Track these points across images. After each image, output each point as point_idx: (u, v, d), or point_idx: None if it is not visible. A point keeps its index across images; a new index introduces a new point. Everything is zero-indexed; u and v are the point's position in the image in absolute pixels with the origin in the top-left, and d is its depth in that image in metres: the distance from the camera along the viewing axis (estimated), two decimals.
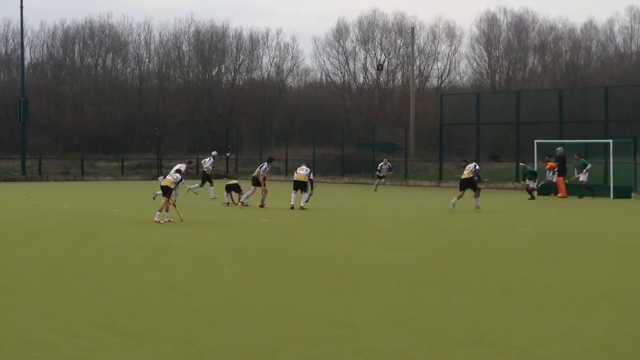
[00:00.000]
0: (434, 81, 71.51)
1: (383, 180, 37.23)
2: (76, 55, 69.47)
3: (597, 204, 27.95)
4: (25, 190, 35.64)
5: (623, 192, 30.83)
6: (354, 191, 36.64)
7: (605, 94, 36.38)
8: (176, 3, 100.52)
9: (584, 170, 30.81)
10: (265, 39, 72.12)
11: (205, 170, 29.72)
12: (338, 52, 72.00)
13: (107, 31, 69.70)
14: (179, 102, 67.01)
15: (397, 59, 70.97)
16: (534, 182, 30.24)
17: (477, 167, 25.20)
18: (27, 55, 64.89)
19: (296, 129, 56.58)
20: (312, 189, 24.54)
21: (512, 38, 70.16)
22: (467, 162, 25.93)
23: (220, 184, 29.39)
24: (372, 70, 70.38)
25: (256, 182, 24.68)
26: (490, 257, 13.60)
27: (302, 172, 24.49)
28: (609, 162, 31.61)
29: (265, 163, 25.22)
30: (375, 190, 35.86)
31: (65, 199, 29.35)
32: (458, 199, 23.94)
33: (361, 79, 72.25)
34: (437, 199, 29.89)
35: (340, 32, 71.97)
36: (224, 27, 71.24)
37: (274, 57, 72.46)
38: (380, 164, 37.22)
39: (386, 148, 49.77)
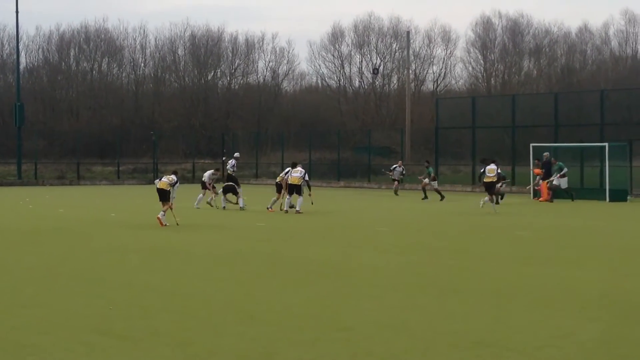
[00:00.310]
0: (429, 85, 71.67)
1: (396, 183, 35.40)
2: (72, 59, 69.44)
3: (593, 207, 27.97)
4: (21, 194, 35.59)
5: (619, 196, 30.86)
6: (349, 195, 36.62)
7: (600, 97, 36.41)
8: (172, 7, 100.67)
9: (558, 175, 30.88)
10: (260, 43, 72.25)
11: (230, 172, 29.60)
12: (334, 56, 72.11)
13: (103, 35, 69.70)
14: (175, 106, 67.00)
15: (393, 62, 71.07)
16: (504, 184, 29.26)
17: (499, 169, 25.58)
18: (22, 59, 64.89)
19: (292, 133, 56.56)
20: (309, 190, 24.60)
21: (508, 42, 70.28)
22: (486, 162, 25.71)
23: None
24: (368, 74, 70.43)
25: (280, 188, 24.87)
26: (487, 259, 13.59)
27: (295, 174, 24.42)
28: (605, 166, 31.63)
29: (290, 168, 25.13)
30: (397, 194, 34.40)
31: (61, 204, 29.31)
32: (488, 200, 24.58)
33: (357, 83, 72.38)
34: (433, 202, 29.90)
35: (336, 36, 72.09)
36: (219, 31, 71.34)
37: (269, 62, 72.59)
38: (394, 166, 36.11)
39: (382, 152, 49.82)
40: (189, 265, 12.97)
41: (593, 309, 9.21)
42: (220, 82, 71.80)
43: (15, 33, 52.11)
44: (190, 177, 51.23)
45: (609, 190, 30.98)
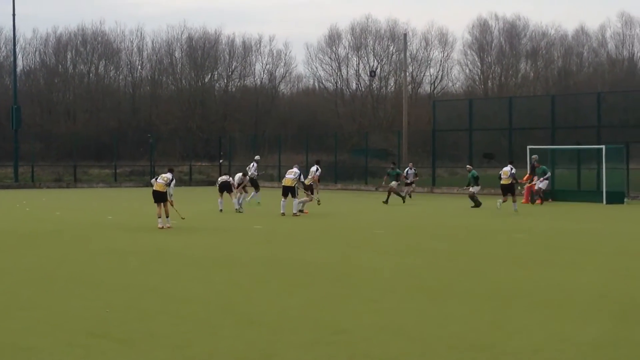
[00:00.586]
0: (426, 87, 71.68)
1: (413, 186, 34.09)
2: (68, 62, 69.36)
3: (590, 209, 28.00)
4: (18, 197, 35.55)
5: (616, 198, 30.90)
6: (347, 197, 36.63)
7: (597, 99, 36.47)
8: (168, 10, 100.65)
9: (541, 179, 30.91)
10: (257, 46, 72.23)
11: (251, 176, 29.55)
12: (331, 58, 72.12)
13: (100, 38, 69.63)
14: (172, 109, 66.97)
15: (390, 65, 71.07)
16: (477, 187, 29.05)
17: (513, 170, 25.84)
18: (19, 62, 64.89)
19: (289, 135, 56.60)
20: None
21: (505, 44, 70.37)
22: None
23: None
24: (365, 77, 70.48)
25: (308, 188, 25.01)
26: (485, 261, 13.60)
27: (289, 176, 24.41)
28: (602, 168, 31.68)
29: (316, 165, 25.44)
30: (410, 196, 32.95)
31: (58, 206, 29.27)
32: (503, 202, 25.39)
33: (354, 86, 72.36)
34: (430, 204, 29.89)
35: (333, 39, 72.09)
36: (216, 34, 71.33)
37: (266, 64, 72.58)
38: (406, 169, 34.35)
39: (379, 154, 49.78)
40: (187, 267, 12.96)
41: (591, 312, 9.21)
42: (217, 84, 71.80)
43: (12, 35, 52.20)
44: (187, 180, 51.22)
45: (606, 192, 31.03)
